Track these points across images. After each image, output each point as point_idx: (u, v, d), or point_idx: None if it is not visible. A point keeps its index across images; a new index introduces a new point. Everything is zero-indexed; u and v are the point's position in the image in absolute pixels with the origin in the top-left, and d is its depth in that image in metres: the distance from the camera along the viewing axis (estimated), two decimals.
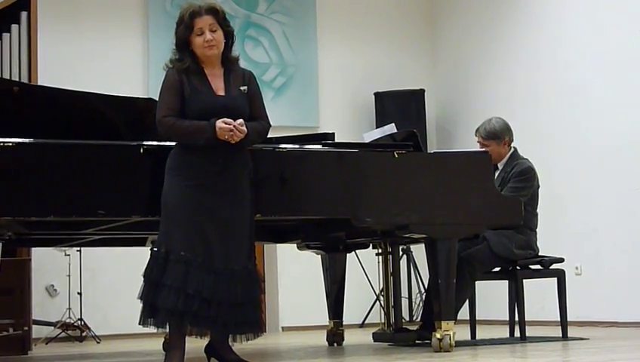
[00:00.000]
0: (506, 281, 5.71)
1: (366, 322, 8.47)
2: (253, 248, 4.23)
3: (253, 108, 4.22)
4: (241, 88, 4.21)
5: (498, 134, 5.67)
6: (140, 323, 4.02)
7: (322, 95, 9.07)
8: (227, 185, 4.10)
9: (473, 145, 5.93)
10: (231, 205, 4.09)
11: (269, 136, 4.34)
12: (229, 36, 4.24)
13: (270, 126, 4.29)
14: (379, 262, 5.63)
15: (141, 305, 4.01)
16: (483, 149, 5.58)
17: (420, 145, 5.04)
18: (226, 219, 4.07)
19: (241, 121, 4.05)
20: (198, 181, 4.06)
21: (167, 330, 4.15)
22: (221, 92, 4.17)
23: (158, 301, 3.95)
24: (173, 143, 4.16)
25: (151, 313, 4.00)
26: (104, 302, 7.82)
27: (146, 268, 4.04)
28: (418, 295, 8.66)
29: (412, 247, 8.35)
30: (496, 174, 5.64)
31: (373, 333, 5.67)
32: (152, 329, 4.07)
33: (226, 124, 4.01)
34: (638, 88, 6.97)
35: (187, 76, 4.14)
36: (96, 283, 7.86)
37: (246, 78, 4.27)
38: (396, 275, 5.54)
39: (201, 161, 4.07)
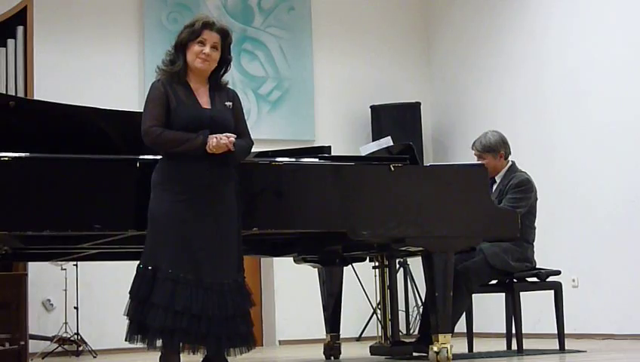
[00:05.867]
0: (503, 294, 5.71)
1: (363, 335, 8.45)
2: (242, 261, 4.23)
3: (237, 126, 4.25)
4: (227, 103, 4.25)
5: (493, 147, 5.68)
6: (125, 340, 4.02)
7: (318, 108, 9.08)
8: (213, 198, 4.11)
9: (469, 158, 5.93)
10: (218, 219, 4.10)
11: (265, 149, 4.35)
12: (224, 63, 4.28)
13: (253, 143, 4.34)
14: (376, 275, 5.63)
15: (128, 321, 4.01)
16: (479, 162, 5.60)
17: (417, 158, 5.04)
18: (213, 232, 4.07)
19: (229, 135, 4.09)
20: (184, 196, 4.07)
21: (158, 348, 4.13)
22: (207, 105, 4.20)
23: (147, 320, 3.95)
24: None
25: (140, 331, 4.00)
26: (101, 316, 7.80)
27: (133, 285, 4.04)
28: (415, 308, 8.65)
29: (409, 260, 8.34)
30: (494, 187, 5.66)
31: (370, 347, 5.66)
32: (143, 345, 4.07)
33: (217, 139, 4.03)
34: (630, 103, 6.99)
35: (172, 88, 4.16)
36: (93, 297, 7.84)
37: (230, 95, 4.32)
38: (393, 288, 5.53)
39: (187, 176, 4.09)
